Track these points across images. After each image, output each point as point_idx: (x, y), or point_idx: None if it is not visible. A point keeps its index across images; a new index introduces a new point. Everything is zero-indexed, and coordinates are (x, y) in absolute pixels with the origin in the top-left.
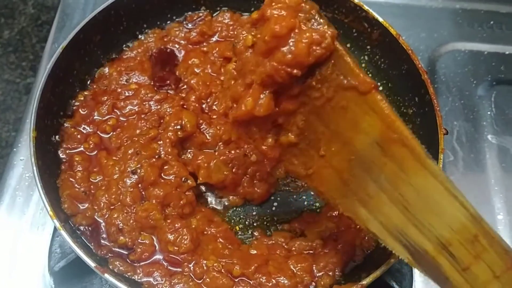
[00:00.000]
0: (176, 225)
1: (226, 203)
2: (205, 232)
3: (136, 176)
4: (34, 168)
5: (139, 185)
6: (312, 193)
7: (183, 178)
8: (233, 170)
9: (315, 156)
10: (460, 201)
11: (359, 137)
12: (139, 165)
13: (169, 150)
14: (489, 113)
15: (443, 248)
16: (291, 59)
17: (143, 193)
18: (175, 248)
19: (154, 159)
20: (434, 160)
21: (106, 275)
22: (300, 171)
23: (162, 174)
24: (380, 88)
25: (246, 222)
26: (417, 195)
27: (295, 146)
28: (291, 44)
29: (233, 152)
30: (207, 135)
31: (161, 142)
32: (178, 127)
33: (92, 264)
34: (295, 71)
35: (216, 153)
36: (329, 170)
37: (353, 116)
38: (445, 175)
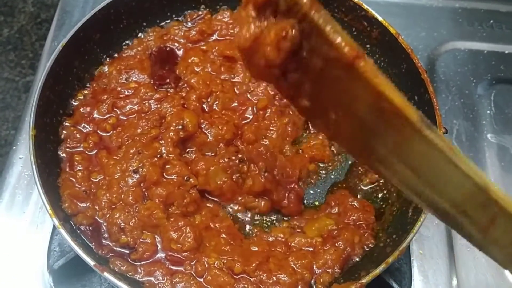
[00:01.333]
0: (180, 223)
1: (230, 210)
2: (210, 227)
3: (138, 175)
4: (33, 166)
5: (141, 184)
6: (311, 191)
7: (185, 177)
8: (233, 177)
9: (330, 119)
10: (462, 171)
11: (356, 104)
12: (141, 164)
13: (171, 149)
14: (488, 112)
15: (459, 209)
16: (265, 63)
17: (145, 192)
18: (178, 246)
19: (156, 159)
20: (433, 127)
21: (105, 274)
22: (323, 130)
23: (164, 174)
24: None
25: (246, 219)
26: (422, 160)
27: (312, 110)
28: (261, 50)
29: (233, 158)
30: (208, 135)
31: (163, 141)
32: (180, 127)
33: (91, 262)
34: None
35: (215, 159)
36: (344, 131)
37: (346, 85)
38: (445, 144)
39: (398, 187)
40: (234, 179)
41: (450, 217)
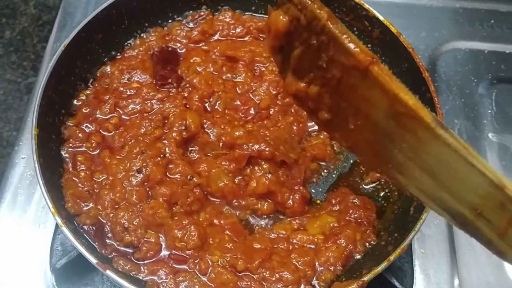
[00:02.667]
0: (184, 222)
1: (232, 211)
2: (214, 223)
3: (141, 175)
4: (36, 165)
5: (145, 184)
6: (313, 190)
7: (188, 176)
8: (235, 180)
9: (349, 130)
10: (478, 169)
11: (373, 110)
12: (144, 164)
13: (174, 149)
14: (489, 111)
15: (478, 213)
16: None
17: (149, 191)
18: (183, 244)
19: (159, 158)
20: (447, 127)
21: (108, 272)
22: (342, 143)
23: (167, 173)
24: None
25: (248, 218)
26: (438, 163)
27: (332, 122)
28: None
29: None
30: (211, 134)
31: (166, 141)
32: (183, 127)
33: (93, 260)
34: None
35: (218, 161)
36: (362, 141)
37: (363, 92)
38: (458, 143)
39: (416, 196)
40: (236, 182)
41: (468, 223)
